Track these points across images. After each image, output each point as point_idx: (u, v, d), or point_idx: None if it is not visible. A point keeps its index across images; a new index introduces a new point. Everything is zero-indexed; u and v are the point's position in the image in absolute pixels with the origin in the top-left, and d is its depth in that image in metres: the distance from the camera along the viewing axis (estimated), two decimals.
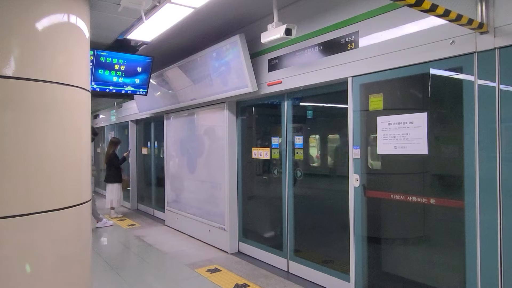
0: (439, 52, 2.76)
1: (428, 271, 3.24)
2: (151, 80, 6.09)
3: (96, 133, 7.86)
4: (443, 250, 3.22)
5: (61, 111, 2.66)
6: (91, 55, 4.94)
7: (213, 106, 5.62)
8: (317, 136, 4.61)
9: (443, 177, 3.21)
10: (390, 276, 3.55)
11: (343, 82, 3.57)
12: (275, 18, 3.31)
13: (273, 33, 3.24)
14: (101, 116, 11.47)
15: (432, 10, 2.22)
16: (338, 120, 4.06)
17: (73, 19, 2.81)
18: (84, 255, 2.93)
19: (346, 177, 3.58)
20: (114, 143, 8.01)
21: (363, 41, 3.31)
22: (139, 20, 4.11)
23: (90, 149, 3.20)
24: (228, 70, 4.80)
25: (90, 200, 3.07)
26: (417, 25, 2.90)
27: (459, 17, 2.34)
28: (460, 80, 2.71)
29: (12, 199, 2.40)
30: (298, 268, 4.33)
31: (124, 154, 8.19)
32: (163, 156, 7.35)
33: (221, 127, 5.44)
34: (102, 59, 5.16)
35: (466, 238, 2.65)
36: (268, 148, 4.83)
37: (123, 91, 5.59)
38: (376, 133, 3.22)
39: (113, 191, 7.74)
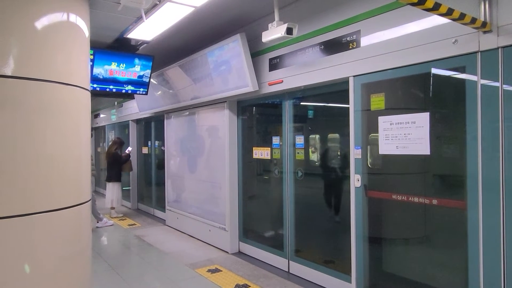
0: (442, 51, 2.73)
1: (430, 272, 3.22)
2: (151, 80, 6.07)
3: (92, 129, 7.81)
4: (445, 250, 3.20)
5: (60, 111, 2.64)
6: (91, 54, 4.92)
7: (214, 106, 5.60)
8: (318, 136, 4.59)
9: (445, 177, 3.19)
10: (391, 276, 3.53)
11: (344, 82, 3.54)
12: (276, 17, 3.29)
13: (274, 32, 3.22)
14: (101, 115, 11.46)
15: (435, 8, 2.19)
16: (339, 120, 4.03)
17: (73, 18, 2.80)
18: (84, 255, 2.92)
19: (347, 177, 3.56)
20: (117, 143, 7.98)
21: (365, 40, 3.29)
22: (139, 19, 4.09)
23: (90, 148, 3.18)
24: (229, 70, 4.78)
25: (90, 200, 3.06)
26: (419, 24, 2.88)
27: (462, 16, 2.32)
28: (463, 80, 2.68)
29: (11, 199, 2.39)
30: (299, 269, 4.31)
31: (127, 151, 8.11)
32: (164, 155, 7.34)
33: (222, 126, 5.42)
34: (102, 58, 5.14)
35: (469, 238, 2.63)
36: (269, 148, 4.80)
37: (123, 91, 5.58)
38: (377, 133, 3.20)
39: (113, 190, 7.72)
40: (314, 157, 4.52)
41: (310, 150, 4.48)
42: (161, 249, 5.50)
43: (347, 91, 3.49)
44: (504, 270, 2.44)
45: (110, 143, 8.40)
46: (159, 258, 5.10)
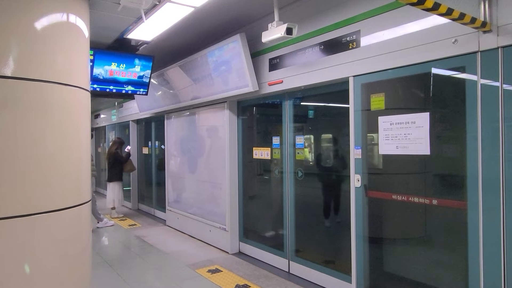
0: (442, 51, 2.73)
1: (430, 272, 3.22)
2: (151, 80, 6.07)
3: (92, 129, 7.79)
4: (446, 250, 3.20)
5: (60, 111, 2.65)
6: (91, 55, 4.92)
7: (214, 106, 5.60)
8: (319, 136, 4.59)
9: (445, 177, 3.18)
10: (392, 276, 3.53)
11: (344, 82, 3.54)
12: (276, 17, 3.29)
13: (274, 32, 3.22)
14: (102, 116, 11.47)
15: (434, 8, 2.19)
16: (339, 120, 4.03)
17: (73, 18, 2.80)
18: (84, 255, 2.92)
19: (347, 177, 3.55)
20: (117, 142, 7.98)
21: (365, 40, 3.29)
22: (139, 19, 4.09)
23: (90, 149, 3.18)
24: (229, 70, 4.78)
25: (90, 200, 3.06)
26: (419, 24, 2.87)
27: (462, 16, 2.32)
28: (463, 80, 2.68)
29: (11, 200, 2.39)
30: (299, 269, 4.31)
31: (127, 149, 8.08)
32: (164, 155, 7.34)
33: (222, 126, 5.43)
34: (102, 58, 5.14)
35: (469, 238, 2.63)
36: (269, 148, 4.80)
37: (123, 91, 5.58)
38: (377, 133, 3.20)
39: (114, 190, 7.72)
40: (314, 157, 4.52)
41: (310, 150, 4.49)
42: (161, 249, 5.50)
43: (347, 91, 3.49)
44: (504, 270, 2.44)
45: (110, 143, 8.40)
46: (160, 259, 5.10)
